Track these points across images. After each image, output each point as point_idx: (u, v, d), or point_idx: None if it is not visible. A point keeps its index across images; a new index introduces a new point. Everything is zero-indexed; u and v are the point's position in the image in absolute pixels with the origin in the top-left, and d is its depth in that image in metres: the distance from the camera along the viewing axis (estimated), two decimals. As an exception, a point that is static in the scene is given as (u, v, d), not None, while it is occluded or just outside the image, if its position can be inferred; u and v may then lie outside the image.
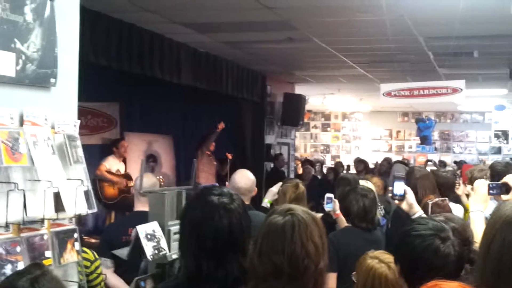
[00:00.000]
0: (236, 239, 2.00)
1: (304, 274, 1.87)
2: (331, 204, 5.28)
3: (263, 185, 10.80)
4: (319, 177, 14.06)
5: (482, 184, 3.77)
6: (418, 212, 3.63)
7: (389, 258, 2.86)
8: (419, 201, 4.91)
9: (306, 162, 14.15)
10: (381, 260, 2.83)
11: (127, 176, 8.95)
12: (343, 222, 5.02)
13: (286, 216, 1.94)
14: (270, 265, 1.87)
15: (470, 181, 4.93)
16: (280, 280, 1.86)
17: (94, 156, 8.64)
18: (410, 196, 3.68)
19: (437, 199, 3.89)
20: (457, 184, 5.40)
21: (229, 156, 10.71)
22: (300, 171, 14.39)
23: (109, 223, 8.29)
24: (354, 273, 2.99)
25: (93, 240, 6.45)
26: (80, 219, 2.77)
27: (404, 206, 3.68)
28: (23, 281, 1.92)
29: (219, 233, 2.07)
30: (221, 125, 10.41)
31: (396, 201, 3.73)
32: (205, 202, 2.15)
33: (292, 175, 13.88)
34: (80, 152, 2.74)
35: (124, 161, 9.30)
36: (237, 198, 2.20)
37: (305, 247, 1.88)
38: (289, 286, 1.86)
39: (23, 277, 1.95)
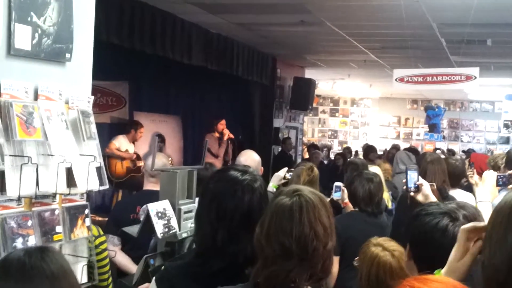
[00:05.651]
0: (254, 219, 2.00)
1: (313, 255, 1.85)
2: (340, 193, 5.26)
3: (270, 168, 10.82)
4: (326, 162, 14.04)
5: (490, 175, 3.77)
6: None
7: (393, 245, 2.84)
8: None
9: (311, 147, 14.09)
10: (384, 248, 2.81)
11: (136, 156, 8.98)
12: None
13: (294, 197, 1.91)
14: (279, 246, 1.85)
15: (493, 168, 4.90)
16: (289, 261, 1.84)
17: (103, 134, 8.63)
18: (426, 187, 3.62)
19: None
20: (470, 173, 5.36)
21: (230, 135, 10.70)
22: (305, 155, 14.36)
23: (117, 201, 8.32)
24: (356, 258, 2.96)
25: (99, 218, 6.47)
26: (87, 196, 2.77)
27: (419, 197, 3.62)
28: (30, 252, 1.88)
29: (239, 208, 2.10)
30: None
31: (412, 193, 3.66)
32: (229, 177, 2.19)
33: (299, 160, 13.88)
34: (93, 128, 2.73)
35: (133, 141, 9.32)
36: (260, 179, 2.23)
37: (313, 228, 1.86)
38: (298, 268, 1.84)
39: (30, 249, 1.92)
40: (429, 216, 2.32)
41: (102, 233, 3.15)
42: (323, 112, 21.71)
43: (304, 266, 1.85)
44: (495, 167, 5.02)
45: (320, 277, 1.92)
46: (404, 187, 3.71)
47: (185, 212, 2.99)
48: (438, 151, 14.19)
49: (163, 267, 2.34)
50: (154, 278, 2.21)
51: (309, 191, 1.96)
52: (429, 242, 2.29)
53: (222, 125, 10.62)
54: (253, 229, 1.95)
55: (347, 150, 15.34)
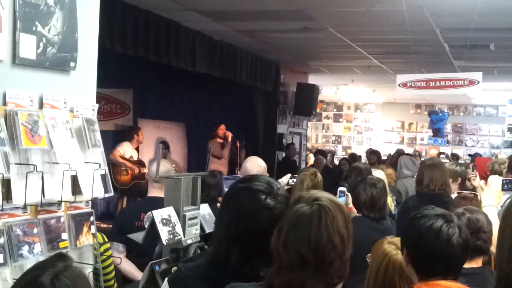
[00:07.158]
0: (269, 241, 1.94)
1: (330, 266, 1.83)
2: (344, 198, 5.25)
3: (274, 174, 10.83)
4: (331, 167, 14.03)
5: (496, 180, 3.77)
6: None
7: None
8: (431, 189, 4.89)
9: (318, 153, 14.10)
10: (398, 247, 2.84)
11: (140, 162, 8.99)
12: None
13: (313, 206, 1.87)
14: (295, 256, 1.82)
15: (491, 173, 4.91)
16: (305, 271, 1.81)
17: (107, 142, 8.65)
18: None
19: (465, 192, 3.83)
20: (472, 175, 5.37)
21: (237, 143, 10.73)
22: (310, 161, 14.35)
23: (122, 208, 8.33)
24: (369, 255, 2.99)
25: (104, 225, 6.48)
26: (92, 203, 2.78)
27: None
28: (45, 277, 1.78)
29: (257, 232, 2.03)
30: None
31: None
32: (252, 199, 2.11)
33: (303, 165, 13.87)
34: (98, 136, 2.75)
35: (137, 148, 9.33)
36: (285, 201, 2.13)
37: (331, 240, 1.83)
38: (313, 278, 1.82)
39: (46, 272, 1.81)
40: (423, 219, 2.34)
41: (106, 240, 3.16)
42: (327, 117, 21.71)
43: (320, 277, 1.82)
44: (492, 172, 5.02)
45: (335, 283, 1.89)
46: None
47: (190, 219, 2.99)
48: (442, 156, 14.16)
49: (174, 268, 2.33)
50: (166, 279, 2.20)
51: (328, 199, 1.92)
52: (423, 244, 2.30)
53: (221, 130, 10.67)
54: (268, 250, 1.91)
55: (352, 157, 15.30)
